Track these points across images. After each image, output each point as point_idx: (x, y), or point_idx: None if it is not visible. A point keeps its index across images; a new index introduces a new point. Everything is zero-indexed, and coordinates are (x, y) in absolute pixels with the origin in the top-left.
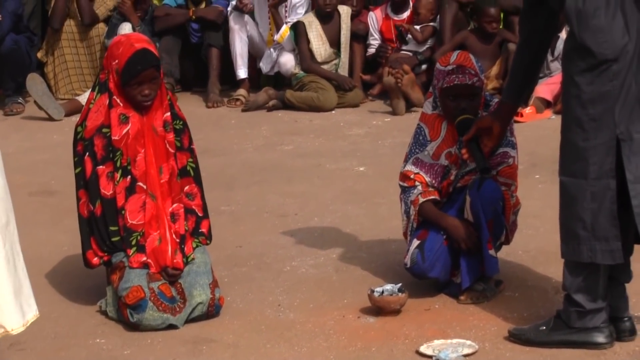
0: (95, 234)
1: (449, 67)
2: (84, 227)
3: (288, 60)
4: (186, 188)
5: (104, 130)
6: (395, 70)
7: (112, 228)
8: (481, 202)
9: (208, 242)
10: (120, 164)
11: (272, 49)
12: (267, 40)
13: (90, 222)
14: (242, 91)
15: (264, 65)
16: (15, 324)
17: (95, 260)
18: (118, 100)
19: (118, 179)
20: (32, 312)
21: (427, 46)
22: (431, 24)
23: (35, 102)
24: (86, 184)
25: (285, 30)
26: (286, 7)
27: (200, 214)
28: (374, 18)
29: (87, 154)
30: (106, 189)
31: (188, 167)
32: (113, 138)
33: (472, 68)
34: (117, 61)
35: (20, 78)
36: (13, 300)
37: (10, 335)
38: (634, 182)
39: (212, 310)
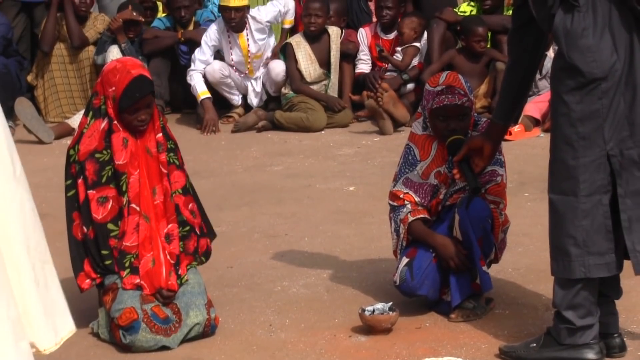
0: (89, 256)
1: (438, 88)
2: (77, 249)
3: (277, 65)
4: (190, 206)
5: (97, 155)
6: (373, 93)
7: (103, 252)
8: (470, 221)
9: (205, 260)
10: (127, 188)
11: (252, 82)
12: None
13: (85, 245)
14: (238, 109)
15: (253, 100)
16: (48, 344)
17: (87, 283)
18: (118, 125)
19: (124, 203)
20: (67, 329)
21: (411, 65)
22: (415, 44)
23: (24, 125)
24: (79, 207)
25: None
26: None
27: (199, 233)
28: (364, 34)
29: (81, 177)
30: (96, 213)
31: (188, 185)
32: (118, 163)
33: (462, 88)
34: (114, 88)
35: (10, 102)
36: (44, 320)
37: (42, 354)
38: (625, 196)
39: (209, 330)
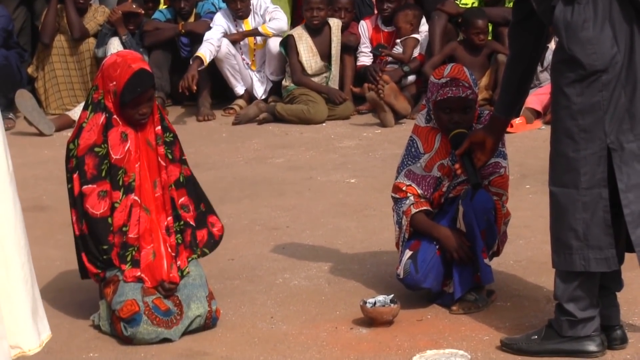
0: (86, 252)
1: (443, 80)
2: (79, 243)
3: (274, 40)
4: (181, 200)
5: (96, 149)
6: (374, 86)
7: (103, 247)
8: (474, 212)
9: (207, 251)
10: (123, 182)
11: (255, 73)
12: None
13: (83, 239)
14: (240, 101)
15: (257, 91)
16: (33, 345)
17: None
18: (118, 120)
19: (120, 197)
20: (46, 332)
21: (412, 57)
22: (413, 35)
23: (25, 118)
24: (74, 202)
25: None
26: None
27: (194, 225)
28: (365, 27)
29: (77, 172)
30: (96, 208)
31: (181, 179)
32: (115, 157)
33: (466, 81)
34: (114, 83)
35: (10, 94)
36: (30, 320)
37: (26, 355)
38: (626, 191)
39: (210, 323)
